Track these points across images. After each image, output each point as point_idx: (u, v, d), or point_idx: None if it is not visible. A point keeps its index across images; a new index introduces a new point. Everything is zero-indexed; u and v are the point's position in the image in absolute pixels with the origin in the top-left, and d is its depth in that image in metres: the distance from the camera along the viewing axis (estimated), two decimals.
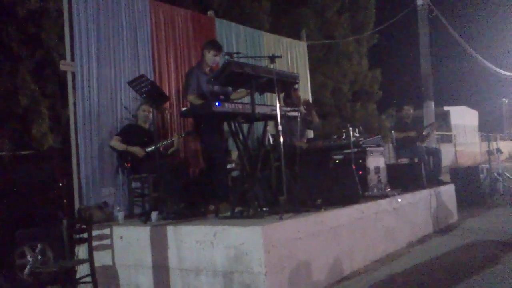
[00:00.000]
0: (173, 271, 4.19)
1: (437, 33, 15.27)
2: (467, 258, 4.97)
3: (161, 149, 5.74)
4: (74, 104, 5.54)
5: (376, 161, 6.20)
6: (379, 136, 6.58)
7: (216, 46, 5.60)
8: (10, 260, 5.42)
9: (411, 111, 8.52)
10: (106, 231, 4.68)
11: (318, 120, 7.14)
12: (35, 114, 11.13)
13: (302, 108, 6.75)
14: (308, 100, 7.93)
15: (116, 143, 5.54)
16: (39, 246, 5.65)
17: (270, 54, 4.64)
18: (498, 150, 10.06)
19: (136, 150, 5.49)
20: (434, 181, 7.51)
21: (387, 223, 5.47)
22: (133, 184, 5.64)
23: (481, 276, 4.23)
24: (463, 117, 29.03)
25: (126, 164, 5.52)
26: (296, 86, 6.47)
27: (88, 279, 4.32)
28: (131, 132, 5.66)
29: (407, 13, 13.52)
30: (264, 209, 4.44)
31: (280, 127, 4.34)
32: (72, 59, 5.53)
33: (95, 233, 4.55)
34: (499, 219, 7.22)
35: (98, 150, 5.59)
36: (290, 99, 6.48)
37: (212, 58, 5.52)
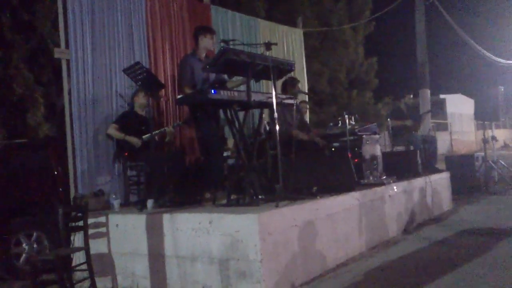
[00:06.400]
0: (169, 259, 4.19)
1: (433, 21, 15.23)
2: (461, 245, 5.00)
3: (156, 138, 5.69)
4: (69, 92, 5.51)
5: (372, 149, 6.20)
6: (375, 124, 6.57)
7: (210, 30, 5.71)
8: (6, 248, 5.40)
9: (411, 99, 8.52)
10: (102, 219, 4.68)
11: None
12: (30, 102, 11.09)
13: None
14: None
15: (114, 131, 5.51)
16: (34, 234, 5.64)
17: (266, 42, 4.61)
18: (493, 138, 10.08)
19: (134, 140, 5.46)
20: (430, 169, 7.53)
21: (382, 211, 5.49)
22: (129, 172, 5.63)
23: (475, 262, 4.25)
24: (458, 105, 29.10)
25: (124, 153, 5.50)
26: (295, 77, 6.40)
27: (84, 267, 4.31)
28: (128, 120, 5.62)
29: (404, 0, 13.45)
30: (260, 196, 4.43)
31: (275, 115, 4.32)
32: (67, 47, 5.48)
33: (90, 221, 4.54)
34: (492, 207, 7.26)
35: (94, 138, 5.57)
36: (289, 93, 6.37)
37: (209, 42, 5.54)
